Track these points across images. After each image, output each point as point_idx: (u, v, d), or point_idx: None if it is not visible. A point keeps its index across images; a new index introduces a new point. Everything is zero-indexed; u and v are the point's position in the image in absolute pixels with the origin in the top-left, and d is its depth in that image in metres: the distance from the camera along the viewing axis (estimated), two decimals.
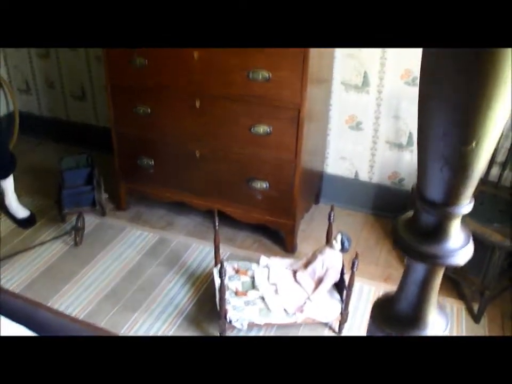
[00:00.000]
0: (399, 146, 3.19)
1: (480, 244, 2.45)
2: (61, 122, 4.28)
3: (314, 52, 2.57)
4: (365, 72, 3.09)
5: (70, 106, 4.18)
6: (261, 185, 2.89)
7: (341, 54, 3.09)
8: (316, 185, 3.40)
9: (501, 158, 2.90)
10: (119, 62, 2.92)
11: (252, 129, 2.75)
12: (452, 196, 0.93)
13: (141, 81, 2.93)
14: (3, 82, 4.22)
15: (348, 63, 3.11)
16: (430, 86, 0.86)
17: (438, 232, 0.97)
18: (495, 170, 2.87)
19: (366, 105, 3.17)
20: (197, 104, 2.83)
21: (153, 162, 3.14)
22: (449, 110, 0.84)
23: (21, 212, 3.33)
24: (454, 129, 0.84)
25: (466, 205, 0.95)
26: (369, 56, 3.05)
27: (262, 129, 2.74)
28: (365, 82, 3.11)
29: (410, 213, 1.05)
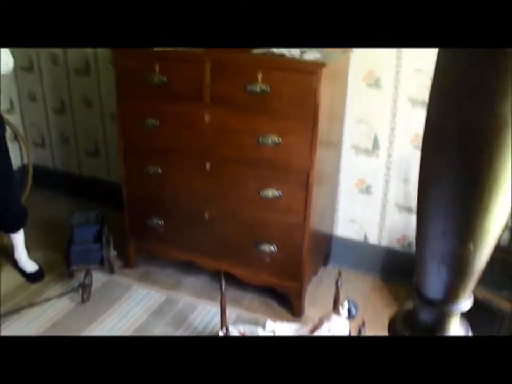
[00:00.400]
0: (408, 209, 3.19)
1: (489, 312, 2.44)
2: (73, 177, 4.33)
3: (324, 117, 2.61)
4: (375, 136, 3.11)
5: (83, 161, 4.24)
6: (269, 248, 2.89)
7: (350, 118, 3.13)
8: (325, 247, 3.39)
9: (511, 222, 2.88)
10: (131, 122, 2.97)
11: (261, 192, 2.77)
12: (451, 294, 0.92)
13: (152, 142, 2.96)
14: (19, 136, 4.30)
15: (357, 127, 3.13)
16: (429, 183, 0.87)
17: (437, 328, 0.96)
18: (505, 235, 2.85)
19: (376, 168, 3.18)
20: (207, 166, 2.85)
21: (162, 222, 3.15)
22: (445, 209, 0.84)
23: (29, 266, 3.34)
24: (451, 229, 0.84)
25: (465, 302, 0.94)
26: (379, 120, 3.07)
27: (271, 193, 2.75)
28: (375, 146, 3.13)
29: (409, 305, 1.04)
